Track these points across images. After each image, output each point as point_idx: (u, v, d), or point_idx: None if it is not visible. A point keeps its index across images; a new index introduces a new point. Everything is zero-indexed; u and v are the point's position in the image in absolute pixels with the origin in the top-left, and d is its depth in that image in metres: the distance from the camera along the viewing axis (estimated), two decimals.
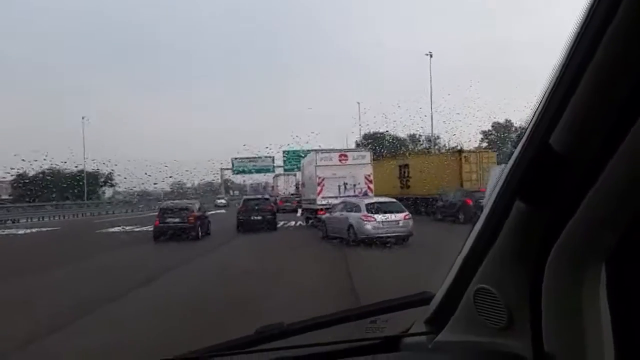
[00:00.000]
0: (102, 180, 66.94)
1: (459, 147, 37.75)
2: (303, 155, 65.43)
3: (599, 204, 1.04)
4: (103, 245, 21.94)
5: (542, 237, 1.18)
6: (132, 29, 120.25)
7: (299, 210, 39.59)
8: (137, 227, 30.11)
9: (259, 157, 70.17)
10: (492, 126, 61.62)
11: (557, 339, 1.20)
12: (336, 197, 26.45)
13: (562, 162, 1.05)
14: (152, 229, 23.67)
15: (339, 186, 26.90)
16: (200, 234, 23.48)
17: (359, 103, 68.95)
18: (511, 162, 1.20)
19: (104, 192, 70.25)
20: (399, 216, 19.17)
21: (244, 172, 71.40)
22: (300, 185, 34.01)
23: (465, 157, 31.21)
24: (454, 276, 1.54)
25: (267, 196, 33.82)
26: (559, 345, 1.20)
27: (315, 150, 28.73)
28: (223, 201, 66.08)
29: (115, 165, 49.80)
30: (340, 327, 1.82)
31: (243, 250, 20.74)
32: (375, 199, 21.81)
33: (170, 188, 58.57)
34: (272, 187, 78.24)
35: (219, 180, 76.16)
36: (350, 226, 19.35)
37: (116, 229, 30.67)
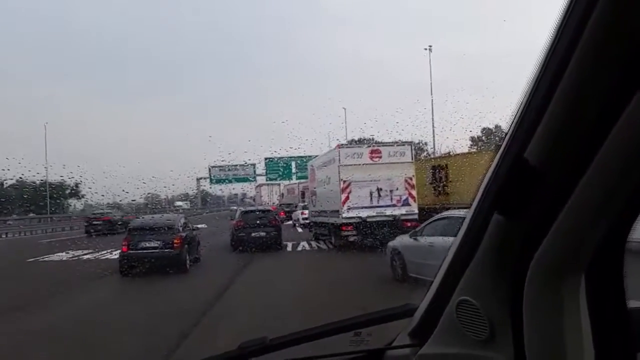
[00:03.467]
0: (68, 191, 61.38)
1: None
2: (284, 165, 61.39)
3: (575, 216, 1.04)
4: (16, 293, 12.10)
5: (521, 249, 1.17)
6: (102, 37, 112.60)
7: (296, 221, 35.55)
8: (97, 253, 21.47)
9: (239, 166, 62.81)
10: (482, 132, 58.49)
11: (538, 350, 1.19)
12: (368, 208, 19.23)
13: (537, 175, 1.05)
14: (118, 256, 15.93)
15: (371, 193, 19.60)
16: (188, 263, 15.85)
17: (344, 109, 62.57)
18: (488, 175, 1.21)
19: (69, 205, 64.11)
20: None
21: (223, 181, 63.80)
22: (306, 194, 26.78)
23: None
24: (436, 288, 1.53)
25: (268, 207, 27.70)
26: (541, 356, 1.19)
27: (340, 145, 20.90)
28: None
29: (80, 176, 43.71)
30: (324, 340, 1.75)
31: (262, 294, 11.87)
32: None
33: (144, 200, 52.98)
34: (254, 197, 72.35)
35: (195, 192, 69.03)
36: None
37: (64, 255, 21.43)
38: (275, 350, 1.69)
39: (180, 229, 16.37)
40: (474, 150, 36.49)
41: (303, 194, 29.17)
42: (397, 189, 19.56)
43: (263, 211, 23.50)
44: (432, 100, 45.55)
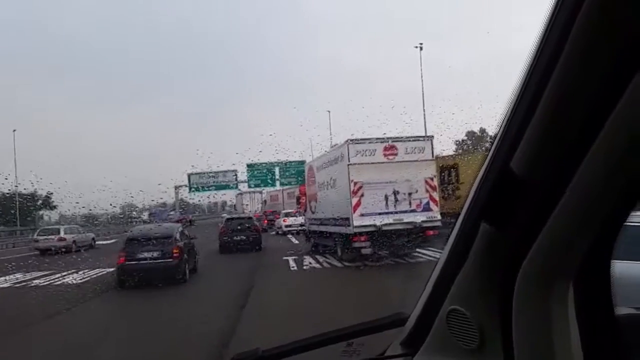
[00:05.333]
0: (39, 202, 58.13)
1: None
2: (267, 171, 58.15)
3: (562, 224, 1.04)
4: None
5: (509, 259, 1.17)
6: (76, 44, 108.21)
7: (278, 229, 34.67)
8: (66, 276, 17.18)
9: (220, 172, 59.18)
10: (466, 135, 58.66)
11: (528, 358, 1.18)
12: (383, 215, 16.15)
13: (523, 184, 1.05)
14: (97, 276, 15.50)
15: (387, 196, 16.51)
16: (187, 273, 15.35)
17: (329, 112, 59.66)
18: (475, 184, 1.21)
19: (42, 216, 60.32)
20: None
21: (202, 189, 60.03)
22: (302, 200, 23.55)
23: None
24: (427, 297, 1.51)
25: (250, 215, 30.52)
26: None
27: (349, 139, 17.07)
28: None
29: (50, 183, 42.29)
30: (317, 351, 1.71)
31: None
32: None
33: (120, 210, 50.47)
34: (235, 205, 69.09)
35: (173, 200, 65.14)
36: None
37: (20, 277, 17.07)
38: None
39: (179, 238, 15.71)
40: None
41: (298, 199, 25.87)
42: (416, 191, 16.54)
43: (244, 218, 26.70)
44: (423, 101, 42.68)
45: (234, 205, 70.54)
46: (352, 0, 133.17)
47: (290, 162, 56.12)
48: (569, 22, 0.85)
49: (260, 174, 58.41)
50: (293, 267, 17.70)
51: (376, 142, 16.88)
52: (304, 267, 17.49)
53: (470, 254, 1.25)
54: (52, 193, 52.14)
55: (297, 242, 27.35)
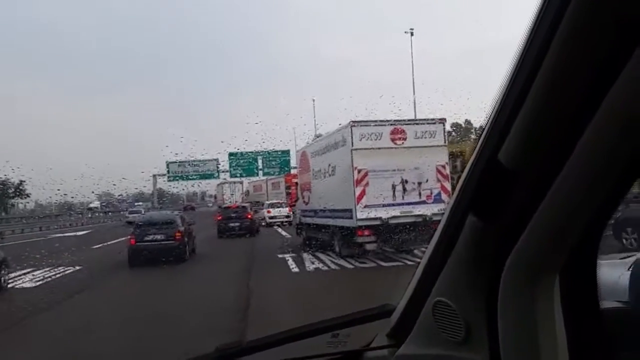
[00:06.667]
0: (11, 191, 54.60)
1: None
2: (250, 160, 56.04)
3: (549, 217, 1.04)
4: None
5: (495, 251, 1.16)
6: (58, 32, 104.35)
7: (262, 220, 32.97)
8: (41, 273, 15.16)
9: (201, 161, 56.62)
10: (452, 127, 55.69)
11: (513, 352, 1.18)
12: (390, 206, 14.30)
13: (511, 177, 1.04)
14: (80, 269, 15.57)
15: (394, 186, 14.72)
16: (187, 253, 17.94)
17: (314, 100, 57.65)
18: (463, 176, 1.20)
19: (13, 205, 57.50)
20: None
21: (182, 178, 57.61)
22: (293, 188, 21.70)
23: None
24: (413, 289, 1.50)
25: (245, 204, 32.23)
26: (515, 357, 1.18)
27: (353, 121, 15.15)
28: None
29: (23, 175, 38.80)
30: (301, 342, 1.68)
31: None
32: None
33: (98, 199, 50.69)
34: (215, 196, 66.91)
35: (151, 190, 62.31)
36: None
37: None
38: (252, 352, 1.68)
39: (180, 223, 18.31)
40: None
41: (287, 188, 24.17)
42: (426, 180, 14.77)
43: (239, 207, 29.58)
44: (413, 87, 40.89)
45: (214, 196, 68.39)
46: None
47: (274, 151, 54.38)
48: (558, 13, 0.84)
49: (243, 163, 56.29)
50: (294, 268, 15.06)
51: (383, 125, 15.04)
52: (308, 268, 14.93)
53: (456, 246, 1.25)
54: (24, 181, 49.40)
55: (287, 234, 25.23)
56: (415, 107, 38.83)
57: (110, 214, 64.10)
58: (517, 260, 1.12)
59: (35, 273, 15.16)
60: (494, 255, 1.16)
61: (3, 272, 12.95)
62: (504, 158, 1.03)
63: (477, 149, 1.12)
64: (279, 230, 29.86)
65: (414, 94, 39.85)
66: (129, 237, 17.36)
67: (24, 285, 13.81)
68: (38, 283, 13.99)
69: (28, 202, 56.13)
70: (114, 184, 45.99)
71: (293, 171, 50.12)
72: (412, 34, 43.93)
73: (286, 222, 33.24)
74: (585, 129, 0.89)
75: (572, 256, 1.09)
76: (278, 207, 35.39)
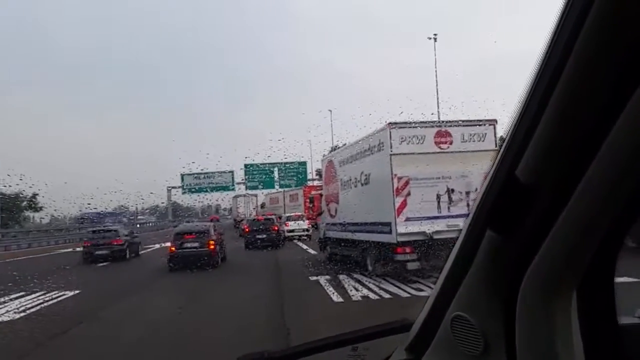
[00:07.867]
0: (24, 204, 54.11)
1: None
2: (266, 171, 54.22)
3: (566, 232, 1.03)
4: None
5: (514, 265, 1.16)
6: (71, 47, 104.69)
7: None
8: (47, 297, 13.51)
9: (216, 173, 55.30)
10: None
11: None
12: (435, 220, 12.48)
13: (528, 192, 1.05)
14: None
15: (439, 196, 12.84)
16: (219, 261, 20.36)
17: (330, 111, 56.10)
18: (481, 191, 1.20)
19: (26, 219, 56.47)
20: None
21: (197, 191, 56.14)
22: (316, 200, 19.97)
23: None
24: (432, 303, 1.49)
25: (271, 216, 31.98)
26: None
27: (391, 123, 13.18)
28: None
29: (32, 185, 38.27)
30: (322, 355, 1.67)
31: None
32: None
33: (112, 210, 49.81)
34: (230, 209, 65.39)
35: (165, 203, 61.06)
36: None
37: None
38: None
39: (212, 233, 20.53)
40: None
41: (311, 200, 22.36)
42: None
43: (266, 219, 29.93)
44: (437, 93, 38.99)
45: (229, 209, 66.94)
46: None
47: (291, 162, 52.88)
48: (576, 28, 0.84)
49: (259, 174, 54.89)
50: (335, 297, 12.06)
51: (426, 127, 13.17)
52: (353, 297, 11.89)
53: (475, 261, 1.24)
54: (37, 194, 48.67)
55: (313, 251, 22.84)
56: (439, 117, 37.15)
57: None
58: (535, 275, 1.12)
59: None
60: (512, 271, 1.16)
61: None
62: (522, 174, 1.04)
63: (494, 164, 1.12)
64: (300, 244, 28.25)
65: (437, 106, 37.91)
66: (169, 244, 20.06)
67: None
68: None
69: (43, 217, 55.18)
70: (127, 199, 44.96)
71: (309, 183, 48.99)
72: (435, 39, 42.10)
73: (305, 236, 31.47)
74: (602, 144, 0.89)
75: (589, 271, 1.09)
76: (297, 220, 33.60)
